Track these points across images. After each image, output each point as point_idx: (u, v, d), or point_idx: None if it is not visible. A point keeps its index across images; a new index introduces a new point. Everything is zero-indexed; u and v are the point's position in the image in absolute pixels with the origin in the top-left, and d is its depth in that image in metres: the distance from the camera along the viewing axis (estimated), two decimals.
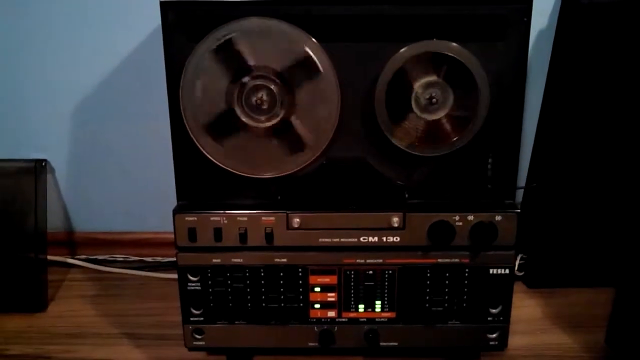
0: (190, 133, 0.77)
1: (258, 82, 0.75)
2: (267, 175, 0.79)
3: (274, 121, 0.76)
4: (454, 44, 0.74)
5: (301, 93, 0.76)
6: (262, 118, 0.76)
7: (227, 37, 0.73)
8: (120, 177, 1.17)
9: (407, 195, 0.80)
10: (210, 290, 0.83)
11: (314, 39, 0.74)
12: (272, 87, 0.75)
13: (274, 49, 0.74)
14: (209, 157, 0.78)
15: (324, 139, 0.78)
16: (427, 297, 0.83)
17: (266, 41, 0.74)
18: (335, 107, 0.76)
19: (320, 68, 0.75)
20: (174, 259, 0.83)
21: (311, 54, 0.74)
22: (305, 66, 0.75)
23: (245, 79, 0.75)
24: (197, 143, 0.77)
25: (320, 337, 0.85)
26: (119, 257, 1.22)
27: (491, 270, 0.81)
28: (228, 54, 0.74)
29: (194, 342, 0.86)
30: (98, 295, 1.12)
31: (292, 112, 0.76)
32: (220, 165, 0.78)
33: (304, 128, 0.77)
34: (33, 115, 1.12)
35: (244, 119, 0.76)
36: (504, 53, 0.75)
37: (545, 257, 1.10)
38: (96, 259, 1.22)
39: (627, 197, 1.04)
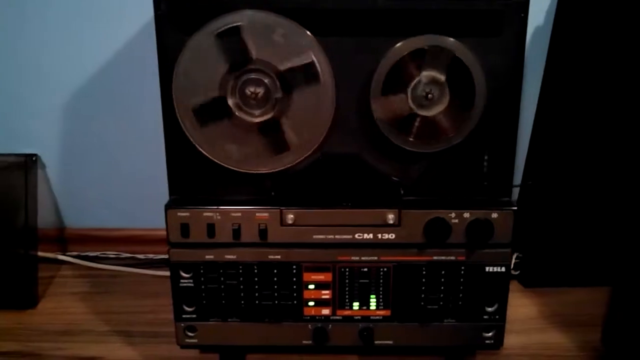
0: (177, 114, 0.75)
1: (256, 75, 0.74)
2: (261, 171, 0.78)
3: (264, 118, 0.75)
4: (451, 39, 0.73)
5: (296, 96, 0.75)
6: (253, 112, 0.75)
7: (235, 24, 0.72)
8: (112, 173, 1.17)
9: (402, 192, 0.80)
10: (203, 287, 0.82)
11: (318, 44, 0.74)
12: (270, 84, 0.74)
13: (280, 47, 0.73)
14: (192, 140, 0.76)
15: (310, 145, 0.77)
16: (423, 295, 0.82)
17: (273, 37, 0.73)
18: (328, 118, 0.76)
19: (321, 77, 0.74)
20: (166, 256, 0.82)
21: (315, 61, 0.74)
22: (307, 72, 0.74)
23: (244, 70, 0.73)
24: (182, 125, 0.76)
25: (314, 335, 0.84)
26: (111, 254, 1.21)
27: (487, 268, 0.81)
28: (232, 42, 0.73)
29: (186, 340, 0.85)
30: (89, 292, 1.11)
31: (284, 113, 0.75)
32: (201, 150, 0.77)
33: (291, 131, 0.76)
34: (24, 109, 1.11)
35: (234, 110, 0.75)
36: (500, 49, 0.75)
37: (541, 256, 1.09)
38: (87, 255, 1.21)
39: (623, 195, 1.04)
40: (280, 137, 0.76)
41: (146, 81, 1.04)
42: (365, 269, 0.81)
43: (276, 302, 0.83)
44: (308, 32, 0.73)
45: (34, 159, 1.10)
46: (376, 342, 0.84)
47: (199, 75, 0.74)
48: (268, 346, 0.87)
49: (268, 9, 0.72)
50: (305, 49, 0.74)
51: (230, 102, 0.74)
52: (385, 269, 0.81)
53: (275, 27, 0.73)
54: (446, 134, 0.76)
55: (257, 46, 0.73)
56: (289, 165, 0.78)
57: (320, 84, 0.74)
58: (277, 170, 0.78)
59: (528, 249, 1.10)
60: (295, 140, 0.76)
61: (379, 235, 0.79)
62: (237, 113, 0.75)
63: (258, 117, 0.75)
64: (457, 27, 0.73)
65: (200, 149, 0.77)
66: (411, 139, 0.76)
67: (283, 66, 0.73)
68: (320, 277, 0.82)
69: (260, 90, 0.74)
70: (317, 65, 0.74)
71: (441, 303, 0.82)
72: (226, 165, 0.78)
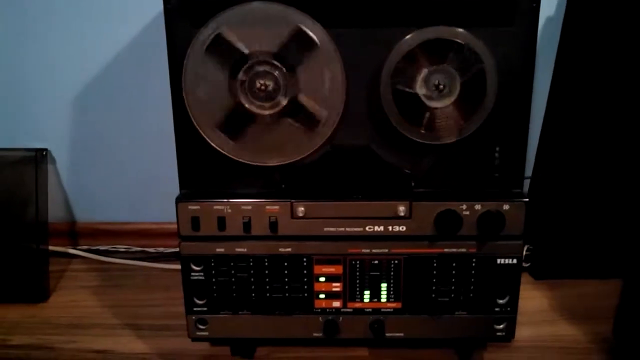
0: (201, 133, 0.76)
1: (257, 68, 0.73)
2: (272, 163, 0.78)
3: (281, 105, 0.74)
4: (462, 30, 0.73)
5: (302, 70, 0.74)
6: (269, 104, 0.74)
7: (215, 32, 0.72)
8: (122, 166, 1.17)
9: (413, 184, 0.79)
10: (214, 280, 0.82)
11: (302, 13, 0.73)
12: (272, 71, 0.73)
13: (265, 32, 0.73)
14: (222, 151, 0.77)
15: (335, 111, 0.76)
16: (434, 288, 0.82)
17: (255, 26, 0.73)
18: (339, 73, 0.75)
19: (316, 40, 0.73)
20: (177, 249, 0.82)
21: (303, 27, 0.73)
22: (300, 41, 0.73)
23: (244, 69, 0.73)
24: (212, 144, 0.76)
25: (325, 328, 0.84)
26: (121, 247, 1.22)
27: (499, 260, 0.80)
28: (221, 49, 0.73)
29: (197, 333, 0.85)
30: (100, 285, 1.12)
31: (298, 91, 0.75)
32: (232, 157, 0.77)
33: (313, 103, 0.75)
34: (34, 104, 1.12)
35: (252, 109, 0.75)
36: (512, 39, 0.74)
37: (552, 248, 1.09)
38: (98, 249, 1.22)
39: (634, 187, 1.03)
40: (307, 114, 0.75)
41: (156, 76, 1.04)
42: (376, 262, 0.81)
43: (287, 294, 0.83)
44: (284, 5, 0.72)
45: (44, 153, 1.11)
46: (387, 334, 0.84)
47: (208, 91, 0.74)
48: (279, 339, 0.87)
49: (278, 1, 0.72)
50: (288, 21, 0.73)
51: (247, 104, 0.74)
52: (396, 262, 0.81)
53: (252, 16, 0.72)
54: (457, 125, 0.75)
55: (244, 41, 0.73)
56: (326, 139, 0.77)
57: (319, 48, 0.73)
58: (287, 162, 0.78)
59: (539, 241, 1.09)
60: (321, 111, 0.75)
61: (390, 228, 0.79)
62: (257, 112, 0.75)
63: (277, 107, 0.75)
64: (468, 18, 0.73)
65: (238, 159, 0.77)
66: (422, 131, 0.76)
67: (275, 46, 0.73)
68: (331, 269, 0.82)
69: (267, 81, 0.74)
70: (306, 30, 0.73)
71: (452, 295, 0.82)
72: (236, 158, 0.77)
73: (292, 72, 0.74)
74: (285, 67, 0.74)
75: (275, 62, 0.73)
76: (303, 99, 0.75)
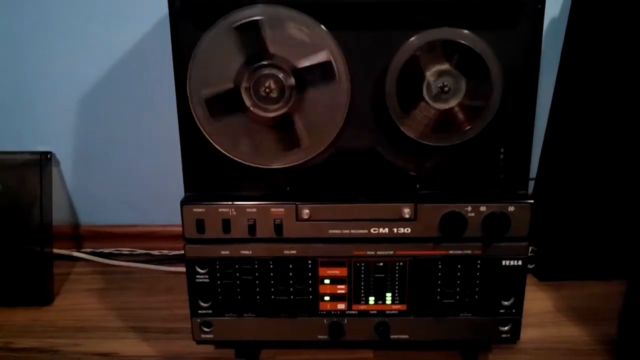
0: (190, 104, 0.75)
1: (272, 71, 0.73)
2: (276, 166, 0.78)
3: (277, 113, 0.75)
4: (466, 31, 0.73)
5: (310, 94, 0.75)
6: (267, 107, 0.74)
7: (255, 18, 0.72)
8: (126, 169, 1.17)
9: (418, 186, 0.79)
10: (219, 282, 0.82)
11: (336, 43, 0.73)
12: (285, 80, 0.73)
13: (297, 44, 0.73)
14: (202, 131, 0.76)
15: (321, 143, 0.77)
16: (439, 289, 0.82)
17: (291, 34, 0.73)
18: (341, 117, 0.76)
19: (337, 76, 0.74)
20: (181, 252, 0.82)
21: (332, 60, 0.73)
22: (323, 71, 0.74)
23: (260, 65, 0.73)
24: (194, 114, 0.75)
25: (329, 330, 0.84)
26: (125, 250, 1.22)
27: (504, 262, 0.80)
28: (250, 35, 0.72)
29: (202, 335, 0.85)
30: (104, 288, 1.12)
31: (296, 110, 0.75)
32: (212, 142, 0.76)
33: (303, 128, 0.76)
34: (38, 107, 1.12)
35: (247, 103, 0.74)
36: (517, 41, 0.74)
37: (556, 249, 1.09)
38: (102, 252, 1.22)
39: (639, 189, 1.03)
40: (292, 134, 0.76)
41: (160, 79, 1.04)
42: (381, 264, 0.81)
43: (292, 297, 0.83)
44: (326, 30, 0.73)
45: (48, 156, 1.11)
46: (392, 336, 0.84)
47: (214, 67, 0.74)
48: (283, 341, 0.87)
49: (284, 3, 0.72)
50: (323, 48, 0.73)
51: (244, 95, 0.74)
52: (401, 264, 0.81)
53: (294, 23, 0.73)
54: (462, 127, 0.75)
55: (274, 41, 0.73)
56: (302, 161, 0.78)
57: (336, 83, 0.74)
58: (291, 165, 0.78)
59: (543, 243, 1.09)
60: (306, 138, 0.76)
61: (395, 230, 0.79)
62: (250, 107, 0.75)
63: (271, 112, 0.75)
64: (473, 19, 0.73)
65: (210, 140, 0.76)
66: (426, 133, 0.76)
67: (300, 64, 0.73)
68: (336, 272, 0.82)
69: (275, 86, 0.74)
70: (334, 64, 0.73)
71: (457, 297, 0.82)
72: (240, 160, 0.77)
73: (300, 91, 0.74)
74: (297, 83, 0.74)
75: (291, 75, 0.73)
76: (297, 118, 0.75)
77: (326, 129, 0.76)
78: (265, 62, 0.73)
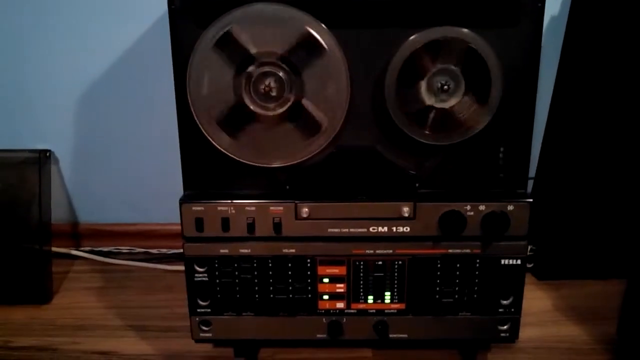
0: (201, 128, 0.75)
1: (263, 69, 0.73)
2: (276, 164, 0.78)
3: (285, 107, 0.74)
4: (467, 30, 0.72)
5: (308, 74, 0.74)
6: (272, 105, 0.74)
7: (225, 29, 0.72)
8: (125, 167, 1.17)
9: (417, 185, 0.79)
10: (218, 281, 0.82)
11: (313, 17, 0.73)
12: (278, 72, 0.73)
13: (274, 33, 0.73)
14: (223, 150, 0.76)
15: (338, 118, 0.76)
16: (438, 288, 0.82)
17: (265, 27, 0.73)
18: (345, 83, 0.75)
19: (325, 46, 0.73)
20: (180, 250, 0.82)
21: (312, 32, 0.73)
22: (309, 46, 0.73)
23: (250, 69, 0.73)
24: (211, 140, 0.76)
25: (328, 329, 0.84)
26: (124, 249, 1.22)
27: (503, 261, 0.80)
28: (229, 46, 0.72)
29: (201, 334, 0.85)
30: (103, 287, 1.12)
31: (302, 95, 0.74)
32: (232, 156, 0.77)
33: (316, 109, 0.75)
34: (37, 105, 1.12)
35: (255, 109, 0.74)
36: (517, 39, 0.74)
37: (555, 248, 1.09)
38: (101, 250, 1.22)
39: (638, 188, 1.03)
40: (309, 119, 0.75)
41: (160, 77, 1.04)
42: (380, 263, 0.81)
43: (290, 295, 0.82)
44: (296, 9, 0.72)
45: (47, 154, 1.11)
46: (391, 335, 0.84)
47: (212, 88, 0.74)
48: (282, 340, 0.87)
49: (282, 2, 0.72)
50: (298, 25, 0.73)
51: (249, 104, 0.74)
52: (400, 262, 0.81)
53: (263, 17, 0.72)
54: (462, 126, 0.75)
55: (252, 42, 0.72)
56: (325, 145, 0.77)
57: (326, 53, 0.73)
58: (291, 164, 0.78)
59: (542, 242, 1.09)
60: (322, 117, 0.75)
61: (394, 229, 0.79)
62: (259, 112, 0.75)
63: (280, 108, 0.75)
64: (473, 18, 0.73)
65: (235, 158, 0.77)
66: (426, 132, 0.76)
67: (283, 49, 0.73)
68: (335, 270, 0.82)
69: (272, 82, 0.74)
70: (316, 35, 0.73)
71: (456, 296, 0.82)
72: (241, 160, 0.77)
73: (298, 76, 0.74)
74: (291, 69, 0.73)
75: (282, 64, 0.73)
76: (306, 103, 0.75)
77: (336, 100, 0.75)
78: (253, 65, 0.73)
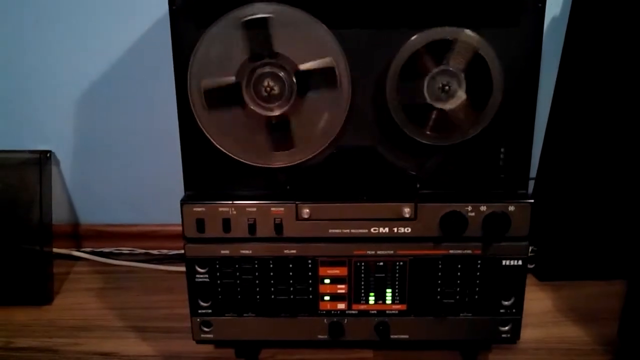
0: (202, 128, 0.76)
1: (275, 69, 0.73)
2: (276, 165, 0.78)
3: (274, 113, 0.74)
4: (468, 30, 0.72)
5: (310, 98, 0.75)
6: (265, 106, 0.74)
7: (264, 15, 0.72)
8: (126, 168, 1.17)
9: (418, 186, 0.79)
10: (219, 282, 0.82)
11: (343, 51, 0.73)
12: (286, 80, 0.73)
13: (303, 46, 0.73)
14: (224, 150, 0.76)
15: (314, 147, 0.77)
16: (439, 289, 0.82)
17: (297, 35, 0.73)
18: (338, 124, 0.76)
19: (339, 83, 0.74)
20: (181, 251, 0.82)
21: (336, 67, 0.73)
22: (326, 76, 0.73)
23: (263, 63, 0.73)
24: (192, 107, 0.75)
25: (329, 330, 0.84)
26: (125, 249, 1.22)
27: (504, 262, 0.80)
28: (257, 32, 0.72)
29: (202, 335, 0.85)
30: (104, 288, 1.12)
31: (294, 112, 0.75)
32: (233, 156, 0.77)
33: (299, 131, 0.76)
34: (38, 106, 1.12)
35: (246, 100, 0.74)
36: (517, 40, 0.74)
37: (556, 249, 1.09)
38: (102, 251, 1.22)
39: (639, 189, 1.03)
40: (286, 135, 0.76)
41: (160, 77, 1.04)
42: (381, 263, 0.81)
43: (292, 296, 0.82)
44: (333, 36, 0.73)
45: (48, 155, 1.11)
46: (392, 336, 0.84)
47: (217, 60, 0.74)
48: (283, 341, 0.87)
49: (286, 1, 0.72)
50: (328, 53, 0.73)
51: (244, 91, 0.74)
52: (401, 263, 0.81)
53: (302, 25, 0.73)
54: (463, 126, 0.75)
55: (280, 41, 0.73)
56: (301, 160, 0.78)
57: (337, 90, 0.74)
58: (292, 164, 0.78)
59: (543, 243, 1.09)
60: (300, 141, 0.76)
61: (395, 229, 0.79)
62: (249, 103, 0.74)
63: (269, 112, 0.75)
64: (474, 18, 0.73)
65: (206, 132, 0.76)
66: (427, 132, 0.76)
67: (303, 66, 0.73)
68: (336, 271, 0.82)
69: (276, 86, 0.74)
70: (337, 71, 0.73)
71: (457, 297, 0.82)
72: (239, 159, 0.77)
73: (300, 94, 0.74)
74: (299, 85, 0.74)
75: (293, 77, 0.73)
76: (293, 120, 0.75)
77: (321, 135, 0.76)
78: (268, 60, 0.73)
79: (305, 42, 0.73)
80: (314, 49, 0.73)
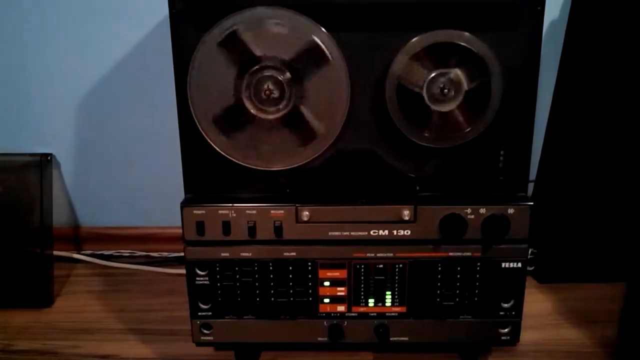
0: (199, 127, 0.76)
1: (266, 72, 0.74)
2: (276, 168, 0.78)
3: (283, 112, 0.75)
4: (467, 33, 0.73)
5: (310, 82, 0.74)
6: (271, 109, 0.75)
7: (232, 29, 0.72)
8: (126, 171, 1.17)
9: (418, 188, 0.79)
10: (219, 284, 0.82)
11: (322, 27, 0.73)
12: (280, 77, 0.74)
13: (281, 38, 0.73)
14: (219, 150, 0.77)
15: (335, 127, 0.76)
16: (438, 292, 0.82)
17: (272, 31, 0.73)
18: (345, 95, 0.75)
19: (330, 57, 0.74)
20: (181, 254, 0.82)
21: (319, 42, 0.73)
22: (314, 55, 0.73)
23: (253, 70, 0.73)
24: (206, 137, 0.76)
25: (329, 332, 0.84)
26: (125, 252, 1.22)
27: (503, 264, 0.80)
28: (234, 46, 0.73)
29: (202, 337, 0.85)
30: (104, 290, 1.12)
31: (302, 102, 0.75)
32: (231, 158, 0.77)
33: (314, 117, 0.76)
34: (38, 109, 1.12)
35: (253, 111, 0.75)
36: (517, 43, 0.74)
37: (556, 251, 1.09)
38: (102, 254, 1.22)
39: (638, 191, 1.03)
40: (305, 127, 0.76)
41: (160, 80, 1.05)
42: (381, 266, 0.81)
43: (291, 299, 0.82)
44: (305, 17, 0.73)
45: (48, 158, 1.11)
46: (392, 338, 0.84)
47: (212, 85, 0.74)
48: (283, 343, 0.87)
49: (280, 4, 0.72)
50: (305, 33, 0.73)
51: (248, 105, 0.74)
52: (400, 266, 0.81)
53: (272, 20, 0.73)
54: (462, 129, 0.76)
55: (258, 43, 0.73)
56: (320, 153, 0.77)
57: (331, 64, 0.74)
58: (291, 167, 0.78)
59: (543, 245, 1.09)
60: (319, 127, 0.76)
61: (395, 232, 0.79)
62: (257, 114, 0.75)
63: (278, 113, 0.75)
64: (473, 21, 0.73)
65: (228, 157, 0.77)
66: (426, 135, 0.76)
67: (288, 55, 0.73)
68: (336, 274, 0.82)
69: (274, 86, 0.74)
70: (322, 45, 0.73)
71: (457, 299, 0.82)
72: (241, 163, 0.77)
73: (299, 82, 0.74)
74: (294, 76, 0.74)
75: (285, 70, 0.73)
76: (305, 110, 0.75)
77: (335, 111, 0.76)
78: (256, 67, 0.73)
79: (282, 33, 0.73)
80: (292, 36, 0.73)
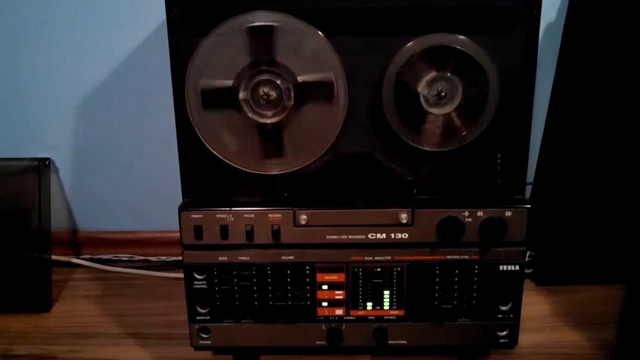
0: (199, 135, 0.76)
1: (274, 78, 0.74)
2: (274, 172, 0.78)
3: (269, 121, 0.75)
4: (463, 37, 0.73)
5: (306, 109, 0.75)
6: (261, 113, 0.75)
7: (271, 24, 0.72)
8: (124, 175, 1.17)
9: (415, 191, 0.79)
10: (217, 288, 0.82)
11: (319, 31, 0.73)
12: (284, 90, 0.74)
13: (304, 58, 0.73)
14: (221, 158, 0.77)
15: (302, 160, 0.77)
16: (436, 295, 0.82)
17: (300, 47, 0.73)
18: (331, 138, 0.76)
19: (336, 98, 0.74)
20: (179, 258, 0.82)
21: (335, 81, 0.74)
22: (324, 89, 0.74)
23: (264, 70, 0.73)
24: (207, 146, 0.76)
25: (327, 336, 0.84)
26: (124, 256, 1.22)
27: (501, 267, 0.80)
28: (260, 39, 0.72)
29: (200, 342, 0.85)
30: (103, 295, 1.12)
31: (289, 122, 0.75)
32: (228, 162, 0.77)
33: (291, 140, 0.76)
34: (37, 113, 1.12)
35: (242, 105, 0.74)
36: (513, 46, 0.74)
37: (554, 254, 1.09)
38: (100, 258, 1.22)
39: (636, 193, 1.03)
40: (277, 144, 0.76)
41: (159, 85, 1.04)
42: (379, 269, 0.81)
43: (289, 302, 0.83)
44: (335, 52, 0.73)
45: (47, 162, 1.11)
46: (390, 342, 0.84)
47: (218, 62, 0.74)
48: (281, 347, 0.87)
49: (279, 8, 0.72)
50: (328, 67, 0.74)
51: (241, 96, 0.74)
52: (398, 269, 0.81)
53: (305, 38, 0.73)
54: (459, 132, 0.76)
55: (283, 50, 0.73)
56: (298, 167, 0.78)
57: (333, 104, 0.75)
58: (289, 171, 0.78)
59: (541, 247, 1.09)
60: (290, 151, 0.77)
61: (392, 235, 0.79)
62: (244, 109, 0.75)
63: (264, 119, 0.75)
64: (470, 25, 0.73)
65: (199, 133, 0.76)
66: (424, 138, 0.76)
67: (302, 77, 0.73)
68: (334, 277, 0.82)
69: (273, 93, 0.74)
70: (335, 86, 0.74)
71: (455, 302, 0.82)
72: (239, 167, 0.78)
73: (296, 105, 0.75)
74: (296, 96, 0.74)
75: (291, 87, 0.74)
76: (286, 131, 0.76)
77: (314, 147, 0.77)
78: (268, 68, 0.73)
79: (306, 54, 0.73)
80: (314, 62, 0.74)
